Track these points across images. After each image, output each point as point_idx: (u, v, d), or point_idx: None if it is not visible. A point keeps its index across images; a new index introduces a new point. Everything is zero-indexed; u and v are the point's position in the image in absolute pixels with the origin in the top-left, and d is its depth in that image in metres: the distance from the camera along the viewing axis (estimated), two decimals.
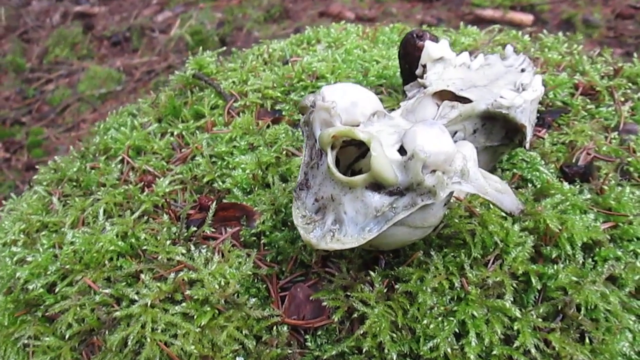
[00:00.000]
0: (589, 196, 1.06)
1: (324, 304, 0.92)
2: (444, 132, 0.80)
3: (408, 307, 0.90)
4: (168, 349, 0.91)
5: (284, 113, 1.47)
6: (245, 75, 1.64)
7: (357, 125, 0.87)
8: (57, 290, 1.02)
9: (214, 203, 1.12)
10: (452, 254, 0.97)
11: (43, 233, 1.16)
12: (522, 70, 1.27)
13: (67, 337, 0.96)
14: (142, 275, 0.98)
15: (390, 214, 0.81)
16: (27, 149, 4.02)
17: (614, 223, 1.02)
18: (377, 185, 0.81)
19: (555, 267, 0.94)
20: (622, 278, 0.93)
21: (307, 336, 0.94)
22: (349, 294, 0.93)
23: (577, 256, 0.96)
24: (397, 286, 0.91)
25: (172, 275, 0.99)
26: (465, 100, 1.07)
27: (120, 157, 1.40)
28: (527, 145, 1.03)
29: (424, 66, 1.17)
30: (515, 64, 1.31)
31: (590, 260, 0.96)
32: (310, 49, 1.82)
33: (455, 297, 0.91)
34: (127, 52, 5.31)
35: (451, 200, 0.95)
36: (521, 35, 1.82)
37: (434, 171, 0.79)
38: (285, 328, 0.94)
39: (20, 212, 1.24)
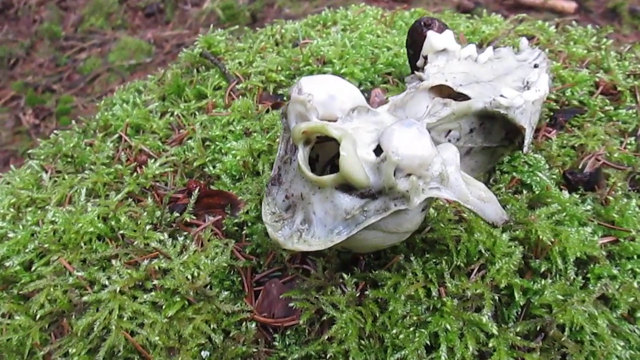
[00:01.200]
0: (590, 207, 0.99)
1: (291, 304, 0.88)
2: (422, 134, 0.74)
3: (378, 314, 0.85)
4: (133, 338, 0.89)
5: (285, 98, 1.42)
6: (252, 57, 1.60)
7: (335, 121, 0.82)
8: (33, 268, 1.02)
9: (197, 189, 1.09)
10: (434, 260, 0.92)
11: (30, 209, 1.16)
12: (535, 66, 1.19)
13: (37, 317, 0.95)
14: (114, 261, 0.97)
15: (361, 217, 0.77)
16: (55, 116, 4.09)
17: (614, 238, 0.95)
18: (347, 187, 0.76)
19: (543, 282, 0.88)
20: (615, 299, 0.86)
21: (276, 335, 0.91)
22: (320, 295, 0.89)
23: (568, 272, 0.89)
24: (367, 292, 0.87)
25: (145, 262, 0.97)
26: (464, 97, 1.01)
27: (117, 135, 1.38)
28: (526, 149, 0.96)
29: (425, 58, 1.11)
30: (529, 58, 1.23)
31: (581, 277, 0.89)
32: (324, 31, 1.76)
33: (431, 307, 0.86)
34: (160, 24, 5.32)
35: (434, 204, 0.90)
36: (547, 26, 1.72)
37: (409, 175, 0.74)
38: (253, 325, 0.91)
39: (12, 186, 1.24)
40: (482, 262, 0.91)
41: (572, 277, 0.89)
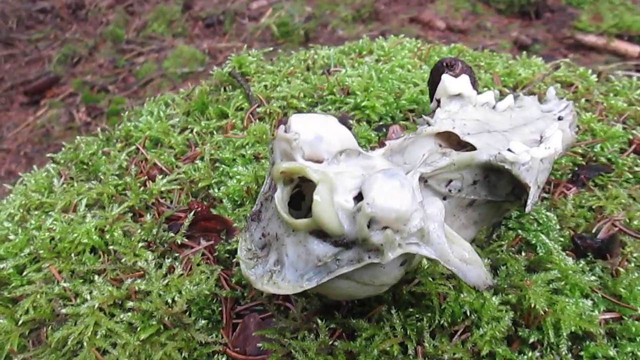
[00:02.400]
0: (594, 277, 0.92)
1: (259, 345, 0.86)
2: (402, 187, 0.70)
3: None
4: (102, 357, 0.89)
5: None
6: (278, 80, 1.60)
7: (321, 162, 0.80)
8: (24, 273, 1.04)
9: (192, 212, 1.08)
10: (417, 315, 0.87)
11: (36, 212, 1.18)
12: (560, 119, 1.14)
13: (20, 322, 0.97)
14: (97, 276, 0.97)
15: (333, 266, 0.74)
16: (106, 116, 4.24)
17: (618, 314, 0.88)
18: (322, 233, 0.74)
19: (530, 354, 0.82)
20: None
21: None
22: (292, 338, 0.86)
23: (560, 347, 0.83)
24: (336, 343, 0.83)
25: (129, 280, 0.97)
26: (471, 146, 0.96)
27: (134, 147, 1.40)
28: (529, 208, 0.90)
29: (439, 101, 1.07)
30: (555, 109, 1.17)
31: (574, 354, 0.83)
32: (357, 60, 1.75)
33: None
34: (218, 35, 5.46)
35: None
36: (589, 73, 1.64)
37: (385, 228, 0.71)
38: (224, 359, 0.89)
39: (26, 187, 1.28)
40: (468, 324, 0.86)
41: (563, 353, 0.83)
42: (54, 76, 4.85)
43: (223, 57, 4.90)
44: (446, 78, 1.05)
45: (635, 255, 0.98)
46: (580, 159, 1.25)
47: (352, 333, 0.87)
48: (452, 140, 1.02)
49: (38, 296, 0.99)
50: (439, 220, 0.75)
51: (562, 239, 1.00)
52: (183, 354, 0.90)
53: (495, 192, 0.98)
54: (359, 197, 0.75)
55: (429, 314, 0.86)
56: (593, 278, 0.91)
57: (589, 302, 0.87)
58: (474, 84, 1.23)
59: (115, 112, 4.22)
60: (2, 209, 1.24)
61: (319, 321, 0.86)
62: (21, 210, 1.21)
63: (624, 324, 0.86)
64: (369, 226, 0.70)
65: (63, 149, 1.47)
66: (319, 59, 1.77)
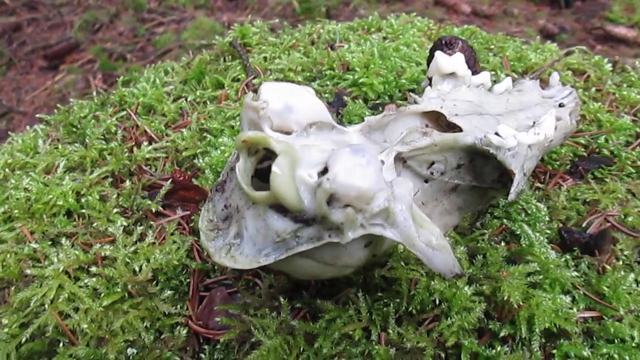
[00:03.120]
0: (578, 273, 0.87)
1: (217, 319, 0.83)
2: (367, 164, 0.66)
3: (306, 347, 0.79)
4: (63, 322, 0.87)
5: None
6: (279, 53, 1.56)
7: (290, 134, 0.76)
8: None
9: (169, 181, 1.06)
10: (386, 300, 0.84)
11: (18, 172, 1.17)
12: (561, 105, 1.08)
13: None
14: (64, 240, 0.95)
15: (292, 242, 0.70)
16: (121, 83, 4.23)
17: (598, 314, 0.83)
18: (282, 207, 0.70)
19: (499, 349, 0.78)
20: None
21: (207, 346, 0.86)
22: (253, 315, 0.84)
23: (532, 343, 0.79)
24: (294, 323, 0.80)
25: (98, 246, 0.95)
26: (458, 128, 0.91)
27: (125, 112, 1.38)
28: (512, 197, 0.85)
29: (431, 79, 1.02)
30: (557, 96, 1.11)
31: (545, 352, 0.78)
32: (364, 37, 1.69)
33: (366, 352, 0.79)
34: (240, 9, 5.40)
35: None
36: (605, 62, 1.56)
37: (347, 206, 0.67)
38: (185, 331, 0.87)
39: (11, 147, 1.27)
40: (437, 313, 0.82)
41: (534, 350, 0.78)
42: (74, 42, 4.86)
43: None
44: (439, 55, 1.00)
45: (626, 253, 0.93)
46: (582, 149, 1.18)
47: (317, 314, 0.84)
48: (442, 121, 0.97)
49: (8, 256, 0.98)
50: (407, 202, 0.70)
51: (548, 232, 0.95)
52: (145, 323, 0.88)
53: (481, 178, 0.94)
54: (325, 172, 0.71)
55: (398, 300, 0.83)
56: (576, 274, 0.86)
57: (568, 299, 0.82)
58: (475, 64, 1.18)
59: (130, 81, 4.21)
60: None
61: (282, 300, 0.83)
62: (6, 170, 1.20)
63: (603, 324, 0.81)
64: (330, 203, 0.67)
65: (56, 110, 1.45)
66: (324, 33, 1.72)
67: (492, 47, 1.64)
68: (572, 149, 1.18)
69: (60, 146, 1.22)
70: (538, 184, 1.09)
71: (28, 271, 0.92)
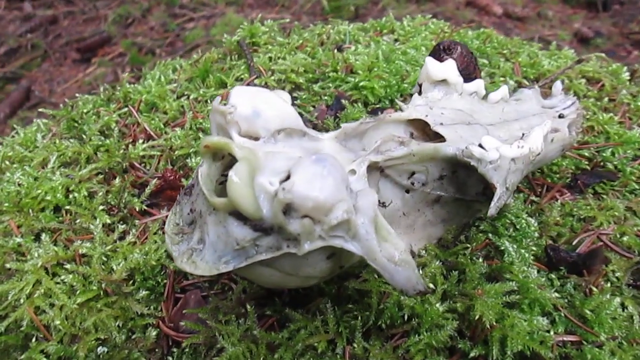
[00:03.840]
0: (561, 294, 0.83)
1: (182, 323, 0.83)
2: (326, 175, 0.64)
3: (266, 357, 0.77)
4: (37, 317, 0.88)
5: (297, 101, 1.35)
6: (284, 53, 1.54)
7: (258, 139, 0.74)
8: None
9: (154, 180, 1.06)
10: (355, 313, 0.81)
11: (15, 165, 1.19)
12: (560, 117, 1.03)
13: None
14: (43, 235, 0.96)
15: (252, 251, 0.69)
16: (143, 77, 4.30)
17: (578, 338, 0.79)
18: (243, 215, 0.69)
19: None
20: None
21: (175, 349, 0.86)
22: (219, 320, 0.83)
23: None
24: (255, 332, 0.78)
25: (78, 242, 0.96)
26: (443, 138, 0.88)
27: (126, 109, 1.39)
28: (492, 211, 0.81)
29: (420, 86, 0.99)
30: (559, 106, 1.07)
31: None
32: (374, 39, 1.66)
33: None
34: (270, 6, 5.42)
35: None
36: (624, 71, 1.49)
37: (305, 217, 0.65)
38: (154, 333, 0.87)
39: (13, 140, 1.29)
40: (407, 329, 0.80)
41: None
42: (106, 35, 4.96)
43: None
44: (429, 62, 0.97)
45: (617, 274, 0.88)
46: (586, 162, 1.13)
47: (285, 323, 0.83)
48: (428, 130, 0.94)
49: None
50: (370, 215, 0.68)
51: (534, 249, 0.90)
52: (118, 322, 0.88)
53: (465, 190, 0.90)
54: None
55: (367, 313, 0.80)
56: (557, 295, 0.83)
57: (545, 321, 0.78)
58: (474, 70, 1.14)
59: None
60: None
61: (249, 307, 0.82)
62: (6, 162, 1.22)
63: (582, 349, 0.77)
64: (288, 213, 0.65)
65: (61, 105, 1.47)
66: (334, 34, 1.70)
67: (506, 52, 1.59)
68: (575, 161, 1.13)
69: (57, 141, 1.23)
70: (533, 197, 1.05)
71: (9, 265, 0.93)
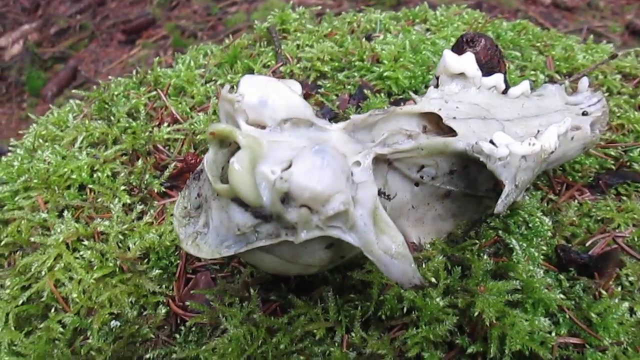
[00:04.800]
0: (563, 296, 0.81)
1: (187, 303, 0.85)
2: (327, 165, 0.65)
3: (266, 340, 0.79)
4: (56, 289, 0.93)
5: (320, 90, 1.36)
6: (313, 41, 1.55)
7: (264, 128, 0.76)
8: (16, 198, 1.10)
9: (173, 164, 1.09)
10: (356, 303, 0.82)
11: (47, 144, 1.25)
12: (584, 114, 1.01)
13: (2, 243, 1.03)
14: (65, 212, 1.01)
15: (252, 237, 0.71)
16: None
17: (581, 341, 0.78)
18: (244, 201, 0.70)
19: None
20: None
21: (183, 327, 0.89)
22: (224, 302, 0.85)
23: None
24: (255, 316, 0.80)
25: (97, 220, 1.00)
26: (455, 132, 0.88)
27: (155, 92, 1.43)
28: (499, 208, 0.80)
29: (438, 78, 0.98)
30: (584, 103, 1.04)
31: None
32: (405, 28, 1.64)
33: (327, 352, 0.78)
34: None
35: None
36: None
37: (303, 206, 0.66)
38: (164, 310, 0.90)
39: (47, 119, 1.35)
40: (407, 321, 0.80)
41: None
42: (151, 18, 5.06)
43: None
44: (447, 54, 0.96)
45: (631, 279, 0.86)
46: (612, 162, 1.10)
47: (288, 309, 0.84)
48: (442, 124, 0.94)
49: (22, 222, 1.05)
50: (369, 207, 0.69)
51: (545, 248, 0.89)
52: (131, 299, 0.92)
53: (475, 186, 0.89)
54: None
55: (368, 304, 0.81)
56: (562, 296, 0.81)
57: (547, 322, 0.77)
58: (499, 64, 1.12)
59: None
60: (26, 135, 1.32)
61: (252, 291, 0.84)
62: (40, 140, 1.28)
63: (584, 353, 0.76)
64: (286, 202, 0.66)
65: (95, 87, 1.52)
66: (365, 22, 1.69)
67: (539, 44, 1.54)
68: (600, 160, 1.10)
69: (87, 122, 1.28)
70: (551, 196, 1.03)
71: (33, 239, 0.98)
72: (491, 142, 0.82)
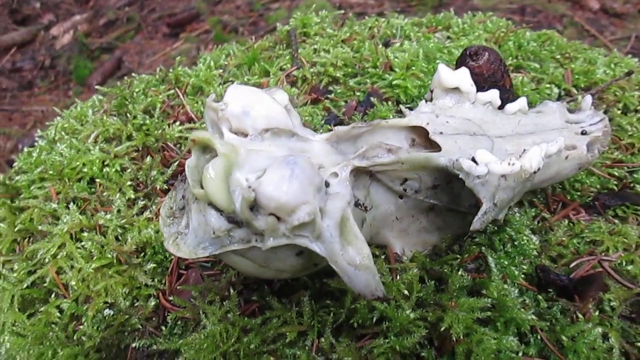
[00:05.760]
0: (534, 317, 0.81)
1: (171, 298, 0.90)
2: (292, 177, 0.68)
3: (239, 339, 0.83)
4: (58, 276, 0.99)
5: (330, 95, 1.38)
6: (330, 46, 1.57)
7: (246, 136, 0.79)
8: (32, 188, 1.17)
9: (178, 162, 1.13)
10: (332, 309, 0.85)
11: (67, 136, 1.32)
12: (583, 133, 0.99)
13: (16, 229, 1.10)
14: (71, 204, 1.07)
15: (226, 240, 0.74)
16: None
17: None
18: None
19: None
20: None
21: (170, 320, 0.93)
22: (206, 300, 0.89)
23: None
24: (230, 315, 0.84)
25: (101, 213, 1.06)
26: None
27: (172, 90, 1.48)
28: (475, 225, 0.81)
29: (432, 92, 0.99)
30: (585, 122, 1.03)
31: None
32: (425, 35, 1.64)
33: (296, 355, 0.81)
34: None
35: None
36: None
37: (272, 214, 0.69)
38: (153, 303, 0.95)
39: (70, 112, 1.42)
40: (378, 330, 0.82)
41: None
42: (195, 12, 5.18)
43: (352, 12, 4.86)
44: (442, 69, 0.96)
45: (613, 304, 0.85)
46: (615, 182, 1.08)
47: (266, 310, 0.88)
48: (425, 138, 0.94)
49: (35, 210, 1.12)
50: (335, 219, 0.71)
51: (525, 267, 0.89)
52: (124, 289, 0.97)
53: (458, 202, 0.90)
54: None
55: (342, 311, 0.84)
56: (534, 317, 0.81)
57: (515, 341, 0.78)
58: (502, 78, 1.12)
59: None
60: (51, 127, 1.40)
61: (232, 291, 0.88)
62: (61, 133, 1.35)
63: None
64: (255, 210, 0.70)
65: (119, 82, 1.59)
66: (385, 28, 1.70)
67: (559, 57, 1.52)
68: (603, 180, 1.08)
69: (104, 117, 1.35)
70: (545, 214, 1.02)
71: (42, 227, 1.05)
72: (473, 159, 0.83)
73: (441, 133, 0.89)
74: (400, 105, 0.99)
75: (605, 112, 1.28)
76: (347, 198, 0.74)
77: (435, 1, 4.76)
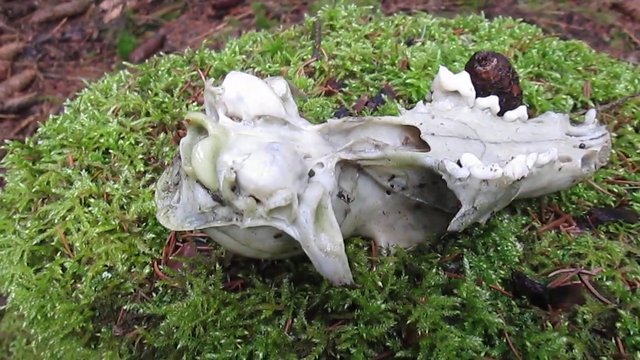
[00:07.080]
0: (501, 320, 0.83)
1: (160, 267, 0.95)
2: (271, 163, 0.72)
3: (218, 311, 0.88)
4: (64, 237, 1.06)
5: (345, 89, 1.41)
6: (352, 40, 1.59)
7: (240, 121, 0.83)
8: (52, 152, 1.25)
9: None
10: (309, 292, 0.89)
11: (90, 107, 1.39)
12: (582, 147, 1.00)
13: (33, 190, 1.18)
14: (84, 171, 1.14)
15: (210, 217, 0.79)
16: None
17: None
18: None
19: None
20: None
21: (161, 288, 0.99)
22: (194, 272, 0.94)
23: None
24: (210, 288, 0.89)
25: (110, 182, 1.12)
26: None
27: (195, 72, 1.54)
28: (453, 227, 0.83)
29: (432, 93, 1.01)
30: (586, 135, 1.03)
31: None
32: (450, 37, 1.65)
33: (270, 332, 0.85)
34: None
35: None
36: None
37: (251, 196, 0.73)
38: (147, 270, 1.01)
39: (97, 85, 1.49)
40: (350, 317, 0.85)
41: None
42: None
43: (395, 7, 4.85)
44: (443, 71, 0.98)
45: (586, 317, 0.86)
46: (613, 198, 1.08)
47: (247, 287, 0.92)
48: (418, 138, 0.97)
49: (52, 174, 1.19)
50: (312, 206, 0.74)
51: (503, 272, 0.91)
52: (123, 255, 1.03)
53: (444, 202, 0.92)
54: None
55: (318, 295, 0.87)
56: (500, 321, 0.83)
57: (479, 341, 0.80)
58: (510, 85, 1.13)
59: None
60: (78, 97, 1.47)
61: (217, 266, 0.93)
62: (87, 104, 1.43)
63: None
64: (236, 190, 0.74)
65: (147, 60, 1.66)
66: (411, 26, 1.71)
67: (581, 68, 1.50)
68: (602, 195, 1.08)
69: (127, 92, 1.41)
70: (535, 223, 1.03)
71: (56, 190, 1.12)
72: (458, 162, 0.85)
73: (433, 134, 0.92)
74: (398, 105, 1.01)
75: (616, 129, 1.27)
76: (329, 188, 0.77)
77: (482, 2, 4.70)
